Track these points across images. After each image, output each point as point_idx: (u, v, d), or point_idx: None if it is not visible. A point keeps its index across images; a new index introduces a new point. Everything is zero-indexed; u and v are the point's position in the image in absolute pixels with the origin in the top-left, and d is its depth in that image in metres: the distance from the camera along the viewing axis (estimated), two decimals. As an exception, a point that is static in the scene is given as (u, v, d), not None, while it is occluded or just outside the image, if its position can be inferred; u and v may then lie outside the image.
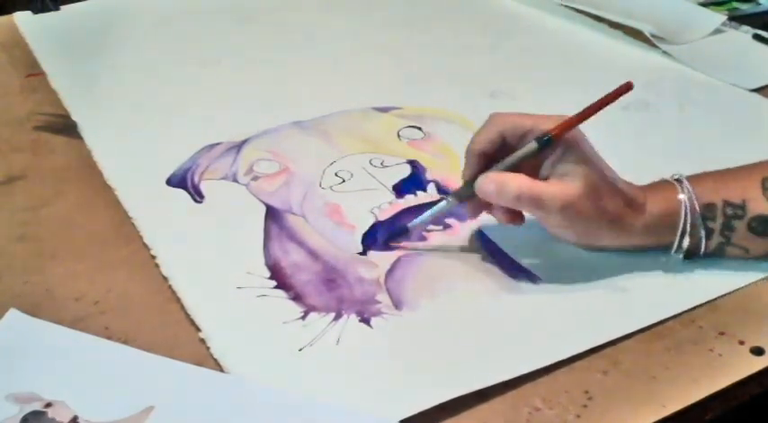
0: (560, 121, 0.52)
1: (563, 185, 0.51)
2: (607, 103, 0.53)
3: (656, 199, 0.54)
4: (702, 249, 0.54)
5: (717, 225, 0.53)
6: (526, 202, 0.52)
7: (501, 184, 0.52)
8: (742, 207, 0.53)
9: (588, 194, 0.51)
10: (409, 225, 0.56)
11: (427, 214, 0.56)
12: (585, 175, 0.51)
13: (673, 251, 0.54)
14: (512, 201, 0.52)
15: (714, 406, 0.46)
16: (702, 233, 0.53)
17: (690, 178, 0.54)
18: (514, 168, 0.53)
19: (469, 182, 0.54)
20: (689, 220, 0.53)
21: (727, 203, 0.53)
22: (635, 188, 0.54)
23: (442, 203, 0.55)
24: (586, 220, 0.52)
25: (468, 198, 0.55)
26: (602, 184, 0.52)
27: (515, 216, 0.55)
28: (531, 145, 0.52)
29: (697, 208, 0.53)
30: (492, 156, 0.54)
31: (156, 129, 0.72)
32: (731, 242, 0.54)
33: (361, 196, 0.62)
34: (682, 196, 0.53)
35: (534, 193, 0.51)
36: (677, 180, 0.54)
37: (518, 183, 0.51)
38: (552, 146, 0.52)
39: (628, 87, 0.54)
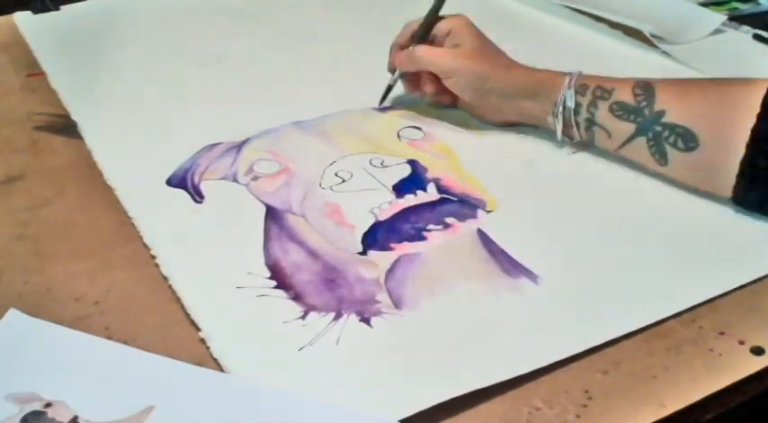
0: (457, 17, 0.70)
1: (456, 48, 0.68)
2: None
3: (541, 73, 0.66)
4: (573, 122, 0.63)
5: (585, 101, 0.63)
6: (427, 60, 0.68)
7: (408, 53, 0.69)
8: (609, 92, 0.62)
9: (475, 51, 0.67)
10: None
11: (390, 85, 0.73)
12: (474, 42, 0.67)
13: (553, 121, 0.64)
14: (418, 62, 0.68)
15: (714, 406, 0.46)
16: (572, 105, 0.63)
17: (583, 73, 0.65)
18: None
19: (391, 70, 0.72)
20: (564, 93, 0.63)
21: (598, 87, 0.62)
22: (517, 62, 0.68)
23: (395, 75, 0.72)
24: (474, 72, 0.66)
25: (395, 81, 0.72)
26: (490, 49, 0.68)
27: (440, 93, 0.70)
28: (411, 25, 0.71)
29: (573, 84, 0.63)
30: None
31: (156, 129, 0.72)
32: (595, 121, 0.63)
33: (361, 196, 0.62)
34: (566, 76, 0.64)
35: (433, 52, 0.68)
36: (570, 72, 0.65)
37: (420, 49, 0.69)
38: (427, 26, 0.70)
39: None
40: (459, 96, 0.69)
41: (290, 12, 0.96)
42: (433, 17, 0.70)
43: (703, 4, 0.96)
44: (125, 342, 0.49)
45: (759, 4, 0.98)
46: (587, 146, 0.66)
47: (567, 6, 0.95)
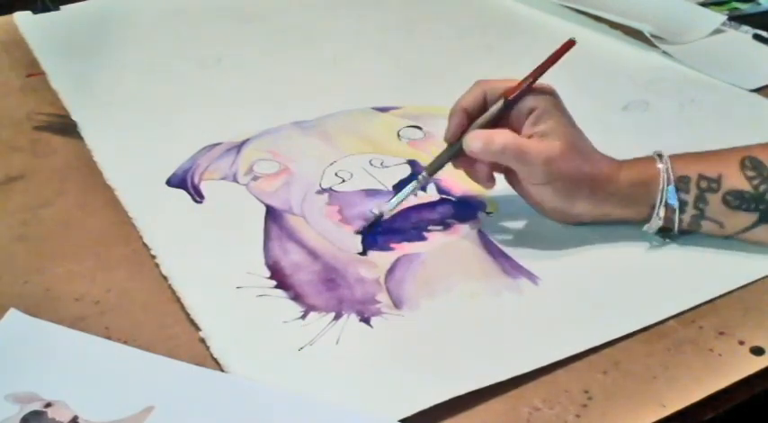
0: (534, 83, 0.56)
1: (546, 143, 0.54)
2: (555, 61, 0.57)
3: (633, 169, 0.55)
4: (677, 223, 0.55)
5: (690, 197, 0.54)
6: (512, 155, 0.54)
7: (488, 138, 0.54)
8: (716, 181, 0.54)
9: (569, 152, 0.54)
10: (383, 210, 0.58)
11: (399, 195, 0.58)
12: (566, 134, 0.54)
13: (651, 222, 0.55)
14: (497, 154, 0.54)
15: (714, 406, 0.46)
16: (676, 204, 0.54)
17: (670, 155, 0.56)
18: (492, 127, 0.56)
19: (452, 142, 0.57)
20: (665, 191, 0.54)
21: (702, 177, 0.54)
22: (610, 159, 0.56)
23: (413, 183, 0.58)
24: (566, 178, 0.54)
25: (451, 158, 0.57)
26: (582, 145, 0.55)
27: (490, 177, 0.57)
28: (499, 103, 0.56)
29: (672, 179, 0.54)
30: (474, 117, 0.57)
31: (156, 129, 0.72)
32: (705, 216, 0.54)
33: (361, 196, 0.62)
34: (660, 166, 0.55)
35: (519, 146, 0.54)
36: (658, 155, 0.56)
37: (504, 137, 0.54)
38: (515, 102, 0.55)
39: (570, 44, 0.57)
40: (536, 199, 0.57)
41: (290, 12, 0.96)
42: (526, 90, 0.55)
43: (703, 4, 0.96)
44: (125, 342, 0.49)
45: (759, 4, 0.98)
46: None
47: (566, 6, 0.95)
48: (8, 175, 0.66)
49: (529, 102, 0.55)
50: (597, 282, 0.54)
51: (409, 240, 0.57)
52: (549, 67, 0.56)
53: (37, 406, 0.44)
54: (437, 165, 0.58)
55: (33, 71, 0.82)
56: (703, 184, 0.54)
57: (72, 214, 0.61)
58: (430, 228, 0.58)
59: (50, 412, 0.44)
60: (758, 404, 0.47)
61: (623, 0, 0.93)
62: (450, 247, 0.57)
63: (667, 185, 0.54)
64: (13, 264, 0.56)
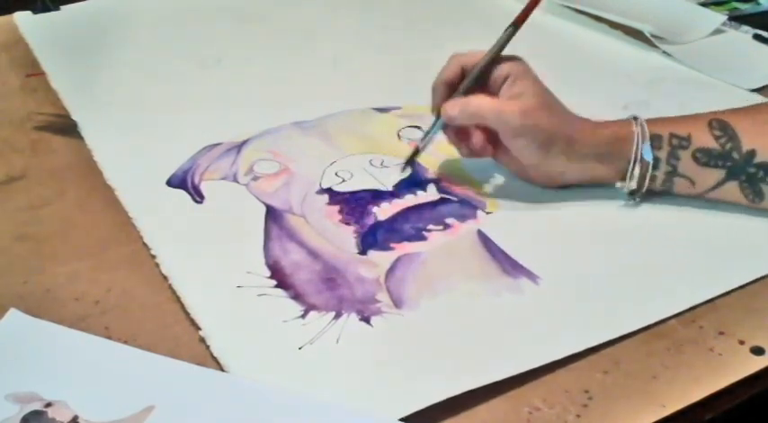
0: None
1: (520, 101, 0.57)
2: (533, 8, 0.61)
3: (609, 128, 0.59)
4: (648, 179, 0.58)
5: (663, 153, 0.58)
6: (488, 115, 0.58)
7: (464, 103, 0.59)
8: (687, 139, 0.57)
9: (543, 107, 0.58)
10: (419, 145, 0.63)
11: (430, 132, 0.62)
12: (540, 94, 0.58)
13: (627, 179, 0.58)
14: (475, 115, 0.58)
15: (714, 406, 0.46)
16: (651, 160, 0.57)
17: (645, 119, 0.59)
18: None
19: (438, 116, 0.61)
20: (640, 147, 0.57)
21: (673, 135, 0.58)
22: (583, 118, 0.60)
23: (438, 123, 0.61)
24: (541, 130, 0.57)
25: (439, 129, 0.61)
26: (556, 105, 0.59)
27: (485, 146, 0.60)
28: (476, 68, 0.60)
29: (647, 136, 0.58)
30: (455, 88, 0.61)
31: (156, 129, 0.72)
32: (677, 172, 0.58)
33: (361, 196, 0.61)
34: (635, 128, 0.58)
35: (495, 106, 0.58)
36: (634, 118, 0.59)
37: (478, 100, 0.58)
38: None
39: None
40: (517, 157, 0.59)
41: (290, 12, 0.96)
42: (494, 57, 0.60)
43: (703, 4, 0.96)
44: (125, 342, 0.49)
45: (759, 4, 0.98)
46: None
47: (567, 6, 0.95)
48: (8, 175, 0.66)
49: (503, 69, 0.59)
50: (597, 281, 0.54)
51: (409, 240, 0.57)
52: (529, 12, 0.61)
53: (37, 406, 0.44)
54: (427, 139, 0.62)
55: (33, 71, 0.82)
56: (675, 142, 0.57)
57: (72, 214, 0.61)
58: (430, 227, 0.58)
59: (50, 412, 0.44)
60: (758, 404, 0.47)
61: (623, 0, 0.93)
62: (450, 246, 0.57)
63: (642, 142, 0.57)
64: (13, 264, 0.56)
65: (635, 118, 0.59)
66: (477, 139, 0.60)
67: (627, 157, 0.58)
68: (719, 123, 0.57)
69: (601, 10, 0.91)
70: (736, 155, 0.57)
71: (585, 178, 0.60)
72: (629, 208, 0.60)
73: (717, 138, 0.57)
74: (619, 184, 0.59)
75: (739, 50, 0.87)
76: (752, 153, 0.56)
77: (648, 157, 0.57)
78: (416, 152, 0.63)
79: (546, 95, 0.59)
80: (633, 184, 0.59)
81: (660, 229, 0.58)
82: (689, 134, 0.57)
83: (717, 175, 0.57)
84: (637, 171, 0.58)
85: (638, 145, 0.57)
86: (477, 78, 0.60)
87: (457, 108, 0.59)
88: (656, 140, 0.58)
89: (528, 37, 0.62)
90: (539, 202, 0.61)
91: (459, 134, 0.61)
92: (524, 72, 0.59)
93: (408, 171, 0.64)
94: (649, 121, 0.59)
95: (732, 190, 0.58)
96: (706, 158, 0.57)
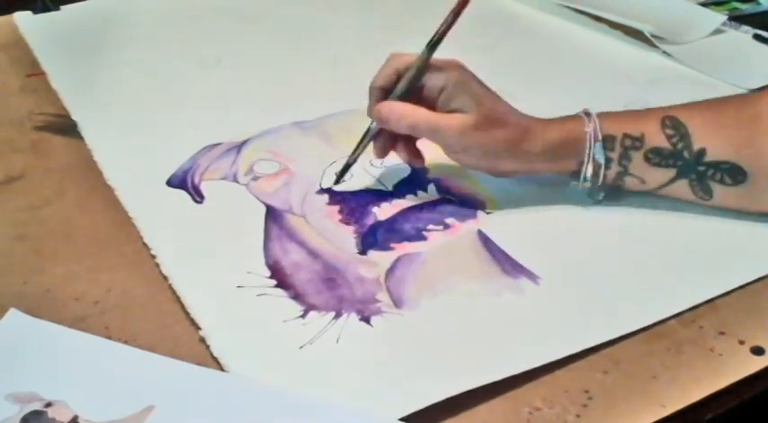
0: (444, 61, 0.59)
1: (458, 119, 0.56)
2: (457, 15, 0.61)
3: (558, 128, 0.58)
4: (601, 178, 0.58)
5: (615, 155, 0.58)
6: (425, 131, 0.57)
7: (400, 113, 0.57)
8: (640, 139, 0.57)
9: (482, 123, 0.56)
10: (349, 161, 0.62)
11: (364, 141, 0.61)
12: (477, 108, 0.56)
13: (580, 179, 0.58)
14: (410, 127, 0.57)
15: (714, 406, 0.46)
16: (603, 161, 0.57)
17: (598, 114, 0.59)
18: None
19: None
20: (592, 150, 0.57)
21: (626, 136, 0.57)
22: (531, 119, 0.59)
23: (369, 131, 0.61)
24: (481, 147, 0.57)
25: (374, 137, 0.61)
26: (495, 113, 0.57)
27: (416, 154, 0.61)
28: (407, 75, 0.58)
29: (599, 137, 0.57)
30: (390, 91, 0.59)
31: (156, 129, 0.72)
32: (628, 172, 0.58)
33: (361, 196, 0.61)
34: (588, 129, 0.57)
35: (431, 121, 0.57)
36: (587, 114, 0.59)
37: (415, 112, 0.57)
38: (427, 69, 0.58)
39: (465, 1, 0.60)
40: (461, 164, 0.60)
41: (291, 11, 0.96)
42: (423, 66, 0.58)
43: (703, 4, 0.96)
44: (125, 342, 0.49)
45: (759, 3, 0.98)
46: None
47: (567, 6, 0.95)
48: (8, 175, 0.66)
49: (438, 80, 0.58)
50: (597, 282, 0.54)
51: (409, 240, 0.57)
52: (455, 19, 0.61)
53: (37, 406, 0.44)
54: (362, 146, 0.62)
55: (33, 71, 0.82)
56: (627, 143, 0.57)
57: (72, 214, 0.61)
58: (430, 227, 0.58)
59: (50, 412, 0.44)
60: (758, 404, 0.47)
61: (623, 0, 0.93)
62: (450, 246, 0.57)
63: (594, 143, 0.57)
64: (13, 264, 0.56)
65: (587, 114, 0.58)
66: (404, 153, 0.61)
67: (578, 157, 0.58)
68: (672, 121, 0.57)
69: (601, 10, 0.91)
70: (686, 154, 0.57)
71: (538, 175, 0.61)
72: (630, 208, 0.60)
73: (669, 137, 0.57)
74: (573, 184, 0.59)
75: (739, 50, 0.87)
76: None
77: (601, 159, 0.57)
78: (348, 165, 0.62)
79: (484, 107, 0.57)
80: (588, 185, 0.59)
81: (660, 230, 0.58)
82: (642, 134, 0.57)
83: (667, 173, 0.58)
84: (589, 170, 0.58)
85: (590, 146, 0.57)
86: (412, 84, 0.58)
87: (393, 115, 0.58)
88: (608, 141, 0.57)
89: (528, 37, 0.62)
90: (539, 202, 0.61)
91: (391, 140, 0.61)
92: (461, 83, 0.57)
93: (343, 182, 0.63)
94: (603, 118, 0.58)
95: (682, 188, 0.58)
96: (657, 159, 0.57)
